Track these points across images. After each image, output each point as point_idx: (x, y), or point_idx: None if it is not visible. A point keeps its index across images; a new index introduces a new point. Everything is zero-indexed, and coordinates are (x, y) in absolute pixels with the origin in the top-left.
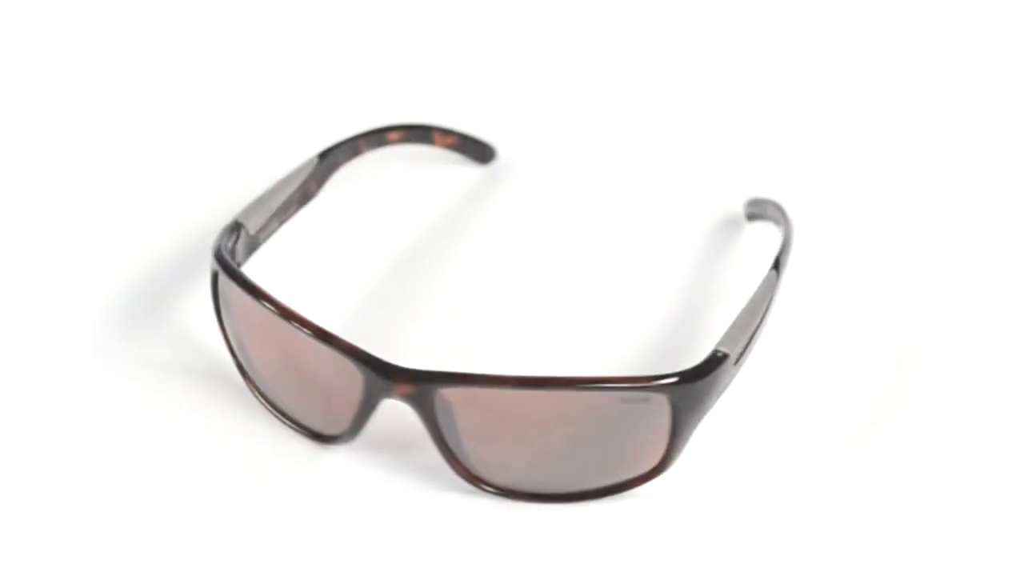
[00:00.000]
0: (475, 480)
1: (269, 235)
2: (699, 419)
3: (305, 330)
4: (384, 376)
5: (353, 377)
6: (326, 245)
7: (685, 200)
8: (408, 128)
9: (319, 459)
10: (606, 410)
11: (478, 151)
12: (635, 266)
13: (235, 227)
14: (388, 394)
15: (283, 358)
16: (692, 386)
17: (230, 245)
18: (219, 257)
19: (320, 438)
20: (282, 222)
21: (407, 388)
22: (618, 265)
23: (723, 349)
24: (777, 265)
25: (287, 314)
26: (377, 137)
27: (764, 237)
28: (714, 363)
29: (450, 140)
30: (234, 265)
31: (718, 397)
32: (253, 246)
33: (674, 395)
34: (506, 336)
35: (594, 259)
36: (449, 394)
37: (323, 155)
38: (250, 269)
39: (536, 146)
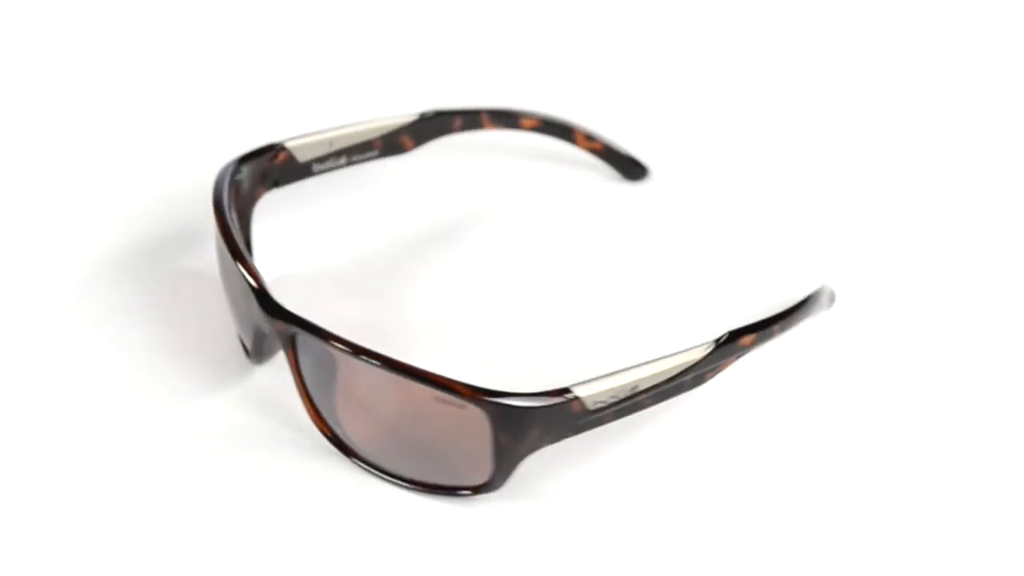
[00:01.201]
0: (320, 423)
1: (328, 169)
2: (530, 449)
3: None
4: (266, 310)
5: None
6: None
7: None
8: (548, 121)
9: None
10: (430, 406)
11: (625, 165)
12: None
13: (269, 149)
14: (268, 328)
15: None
16: (512, 410)
17: (252, 169)
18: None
19: None
20: (351, 162)
21: (280, 326)
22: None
23: (579, 392)
24: (731, 339)
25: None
26: (507, 118)
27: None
28: (548, 397)
29: (595, 145)
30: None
31: (569, 435)
32: (298, 174)
33: (492, 414)
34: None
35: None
36: (307, 341)
37: (427, 115)
38: (292, 195)
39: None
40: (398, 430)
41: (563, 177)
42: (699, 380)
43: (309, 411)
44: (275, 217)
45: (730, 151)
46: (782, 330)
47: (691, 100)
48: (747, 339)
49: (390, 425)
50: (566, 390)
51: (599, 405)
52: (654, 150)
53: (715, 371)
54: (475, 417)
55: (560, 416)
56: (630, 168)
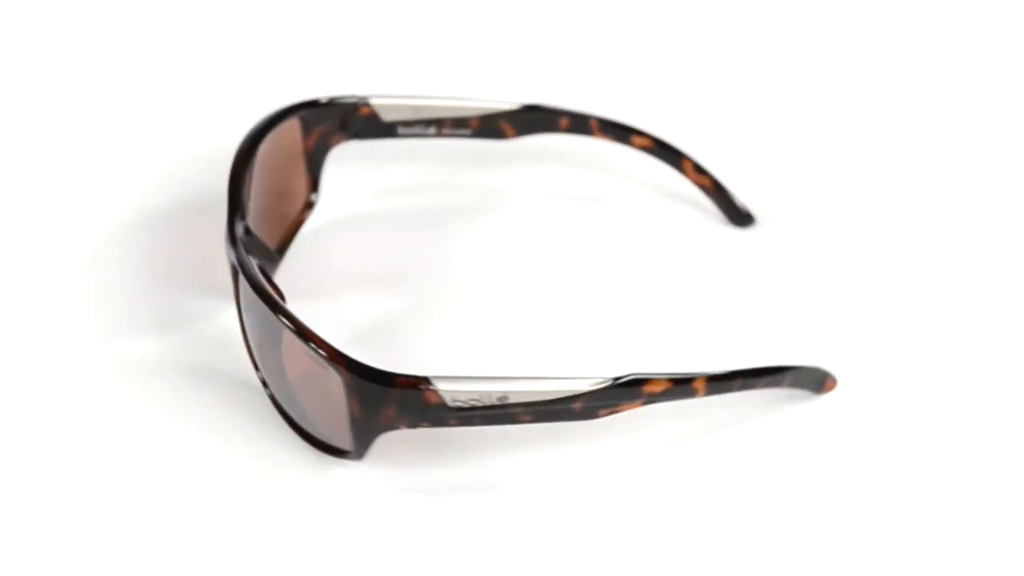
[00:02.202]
0: (251, 358)
1: (414, 135)
2: (386, 427)
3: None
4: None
5: None
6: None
7: None
8: (661, 144)
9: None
10: (308, 363)
11: (731, 209)
12: None
13: (352, 100)
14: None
15: None
16: (365, 384)
17: (330, 116)
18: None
19: None
20: (441, 134)
21: (230, 255)
22: None
23: (438, 385)
24: (633, 383)
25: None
26: (618, 130)
27: None
28: (403, 380)
29: (703, 180)
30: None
31: (429, 424)
32: (381, 132)
33: (348, 382)
34: None
35: None
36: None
37: (533, 107)
38: (367, 151)
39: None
40: (288, 379)
41: (661, 208)
42: (590, 413)
43: (245, 345)
44: (346, 168)
45: (843, 207)
46: (714, 391)
47: (810, 152)
48: (654, 387)
49: (283, 372)
50: (425, 380)
51: (460, 404)
52: (764, 196)
53: (613, 410)
54: (336, 382)
55: (414, 403)
56: (735, 213)
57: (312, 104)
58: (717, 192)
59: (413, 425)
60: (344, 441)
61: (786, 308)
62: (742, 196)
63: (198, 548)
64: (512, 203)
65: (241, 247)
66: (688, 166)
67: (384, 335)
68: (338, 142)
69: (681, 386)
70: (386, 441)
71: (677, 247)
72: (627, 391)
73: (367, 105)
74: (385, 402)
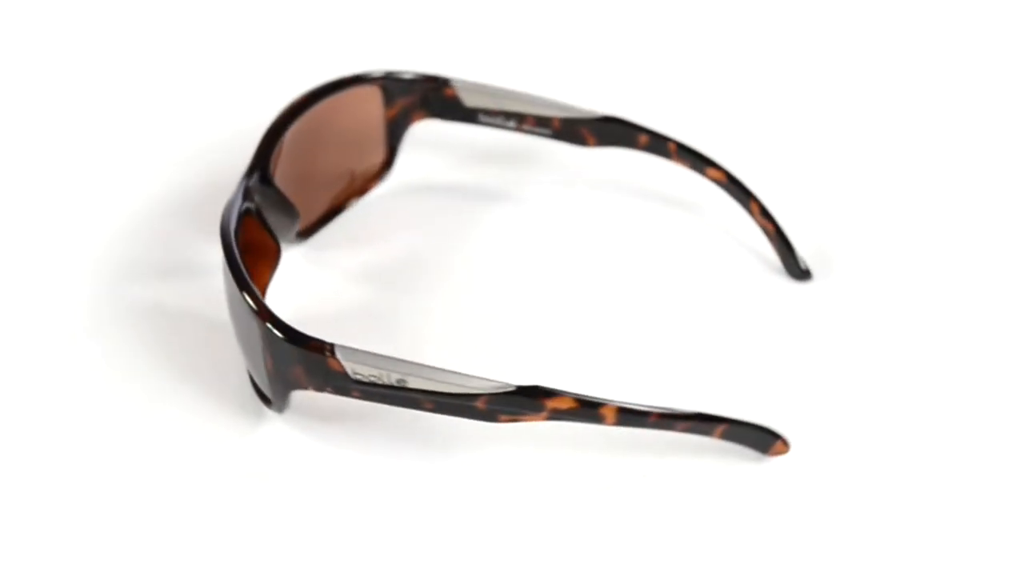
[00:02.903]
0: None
1: (495, 125)
2: (297, 384)
3: None
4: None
5: None
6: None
7: None
8: (733, 180)
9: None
10: (244, 309)
11: (790, 260)
12: None
13: (435, 79)
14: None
15: None
16: (275, 339)
17: (410, 90)
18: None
19: None
20: (520, 129)
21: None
22: None
23: (339, 354)
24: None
25: None
26: (695, 158)
27: None
28: (307, 342)
29: (767, 224)
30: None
31: (334, 391)
32: (462, 116)
33: (263, 335)
34: None
35: None
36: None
37: (613, 119)
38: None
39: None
40: (237, 326)
41: (713, 243)
42: (491, 416)
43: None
44: (419, 150)
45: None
46: (625, 422)
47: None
48: (559, 403)
49: (234, 316)
50: (330, 347)
51: (360, 378)
52: (828, 250)
53: (514, 417)
54: (257, 334)
55: (319, 367)
56: (792, 265)
57: (394, 76)
58: (779, 240)
59: (319, 388)
60: (267, 392)
61: (808, 373)
62: (805, 246)
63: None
64: (557, 215)
65: (240, 195)
66: (756, 208)
67: (380, 317)
68: (419, 119)
69: (587, 409)
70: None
71: (716, 288)
72: (528, 401)
73: (450, 86)
74: (293, 361)
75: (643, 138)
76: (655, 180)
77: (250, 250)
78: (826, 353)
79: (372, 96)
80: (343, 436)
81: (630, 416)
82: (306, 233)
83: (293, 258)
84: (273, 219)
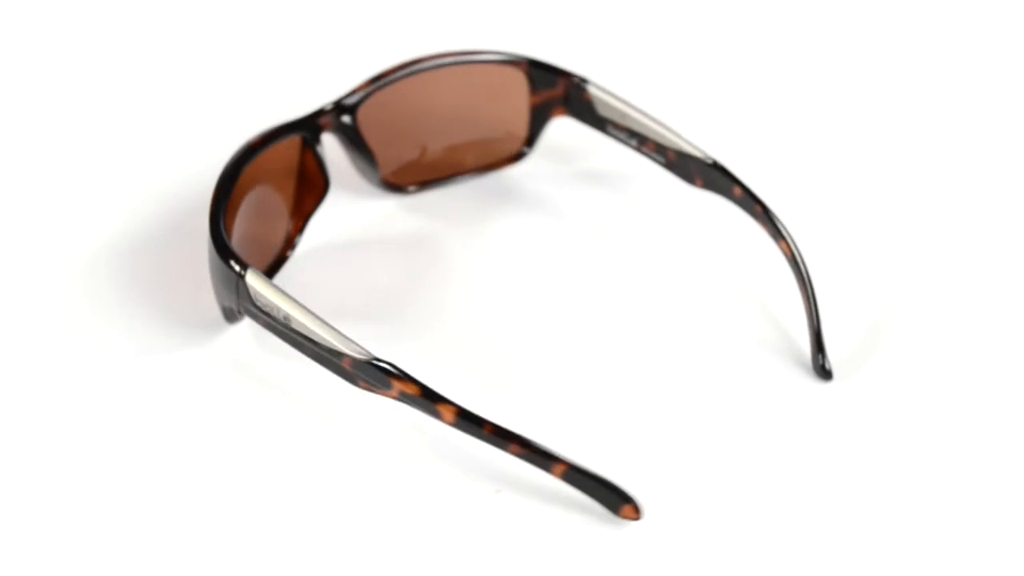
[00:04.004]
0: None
1: (618, 140)
2: (228, 298)
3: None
4: (311, 125)
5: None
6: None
7: None
8: (795, 259)
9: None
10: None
11: (815, 355)
12: None
13: (577, 78)
14: (320, 134)
15: None
16: (214, 257)
17: (554, 83)
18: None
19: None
20: (639, 151)
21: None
22: None
23: (248, 278)
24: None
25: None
26: (771, 226)
27: None
28: (230, 263)
29: (810, 314)
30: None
31: (246, 314)
32: (593, 121)
33: (210, 251)
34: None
35: None
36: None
37: (721, 167)
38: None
39: None
40: None
41: (741, 317)
42: (353, 379)
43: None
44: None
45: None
46: (461, 427)
47: None
48: (405, 387)
49: None
50: (244, 267)
51: (263, 307)
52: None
53: (372, 388)
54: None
55: (233, 287)
56: (816, 361)
57: (539, 64)
58: (814, 334)
59: (238, 307)
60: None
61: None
62: (839, 348)
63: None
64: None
65: (305, 122)
66: (806, 295)
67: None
68: (559, 114)
69: (428, 401)
70: None
71: (725, 369)
72: (380, 376)
73: (587, 90)
74: (223, 278)
75: (737, 190)
76: (724, 234)
77: (290, 175)
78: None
79: (517, 78)
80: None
81: (467, 422)
82: (399, 186)
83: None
84: (353, 155)
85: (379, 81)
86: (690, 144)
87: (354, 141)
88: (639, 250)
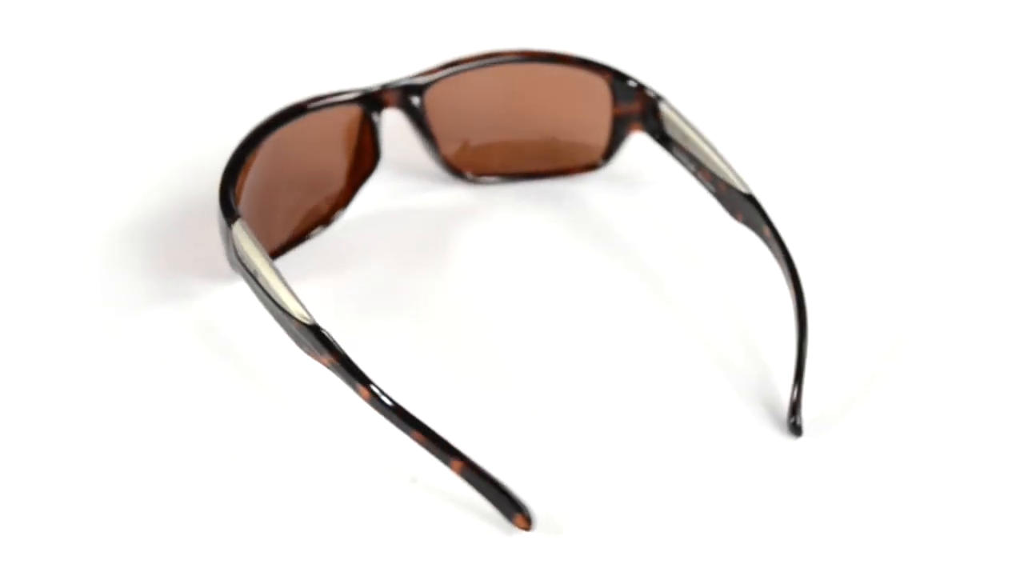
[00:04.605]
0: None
1: (678, 161)
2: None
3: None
4: (374, 98)
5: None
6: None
7: None
8: (801, 306)
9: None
10: None
11: (791, 411)
12: None
13: (653, 94)
14: (383, 108)
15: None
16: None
17: (639, 99)
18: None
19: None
20: (695, 175)
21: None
22: None
23: (235, 227)
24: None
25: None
26: (789, 269)
27: None
28: (226, 214)
29: (797, 368)
30: None
31: (236, 257)
32: (662, 140)
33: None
34: None
35: None
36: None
37: (752, 198)
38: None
39: None
40: None
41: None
42: (299, 342)
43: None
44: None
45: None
46: (375, 406)
47: None
48: (332, 357)
49: None
50: (235, 216)
51: (241, 258)
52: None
53: (312, 354)
54: None
55: (225, 233)
56: (791, 414)
57: (623, 75)
58: (796, 387)
59: (229, 257)
60: None
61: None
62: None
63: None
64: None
65: (365, 95)
66: (799, 344)
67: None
68: (636, 130)
69: (349, 375)
70: None
71: (693, 404)
72: (316, 342)
73: (660, 107)
74: (220, 225)
75: (767, 230)
76: (745, 269)
77: (338, 145)
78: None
79: (599, 87)
80: None
81: (378, 402)
82: (459, 171)
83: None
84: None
85: (454, 67)
86: (738, 178)
87: (418, 121)
88: (649, 269)
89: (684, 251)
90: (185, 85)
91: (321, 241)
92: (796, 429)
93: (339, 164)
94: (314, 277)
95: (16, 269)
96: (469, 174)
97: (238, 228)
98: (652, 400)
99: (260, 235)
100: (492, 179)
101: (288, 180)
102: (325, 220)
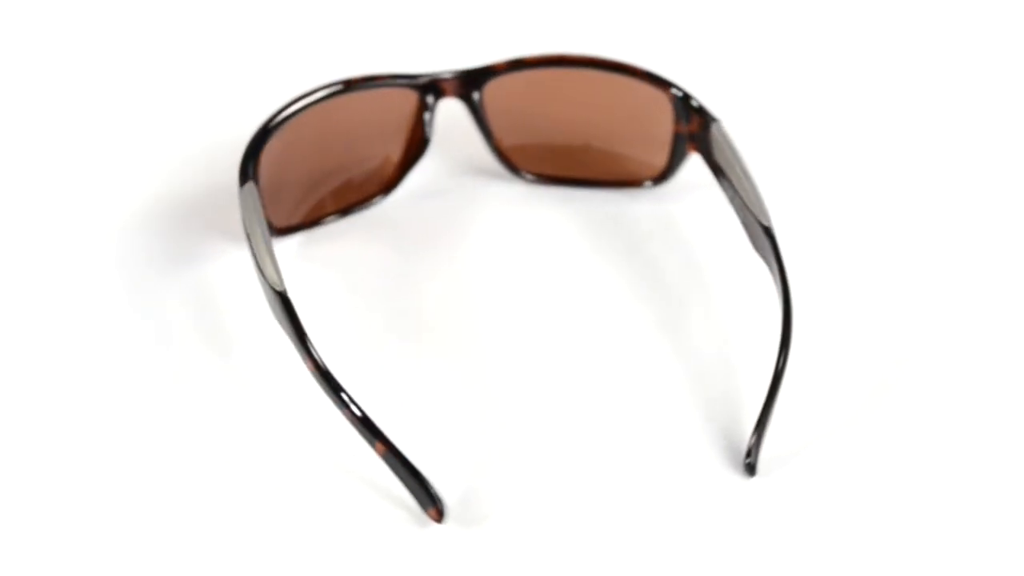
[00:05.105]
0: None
1: (720, 184)
2: None
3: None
4: (434, 86)
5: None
6: None
7: None
8: (785, 342)
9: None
10: None
11: (752, 450)
12: None
13: (701, 109)
14: (440, 97)
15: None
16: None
17: (697, 120)
18: None
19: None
20: (730, 202)
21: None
22: None
23: (246, 189)
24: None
25: None
26: (784, 295)
27: None
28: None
29: (765, 409)
30: None
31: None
32: (708, 158)
33: None
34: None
35: None
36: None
37: (771, 233)
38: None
39: None
40: None
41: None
42: (271, 307)
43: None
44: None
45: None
46: (319, 382)
47: None
48: (291, 325)
49: None
50: (247, 179)
51: (244, 220)
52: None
53: (280, 321)
54: None
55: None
56: (749, 455)
57: (686, 92)
58: (758, 428)
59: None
60: None
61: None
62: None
63: None
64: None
65: (421, 81)
66: (772, 386)
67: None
68: (692, 150)
69: (300, 345)
70: None
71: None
72: (280, 308)
73: (712, 129)
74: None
75: (775, 265)
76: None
77: (384, 127)
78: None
79: (662, 102)
80: None
81: (320, 375)
82: (515, 168)
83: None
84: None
85: (518, 64)
86: (761, 208)
87: (476, 113)
88: (657, 288)
89: (702, 275)
90: (214, 70)
91: (361, 218)
92: (750, 468)
93: (385, 146)
94: (332, 253)
95: (39, 256)
96: (522, 171)
97: (245, 191)
98: (613, 416)
99: (284, 204)
100: (542, 179)
101: (327, 155)
102: (365, 200)
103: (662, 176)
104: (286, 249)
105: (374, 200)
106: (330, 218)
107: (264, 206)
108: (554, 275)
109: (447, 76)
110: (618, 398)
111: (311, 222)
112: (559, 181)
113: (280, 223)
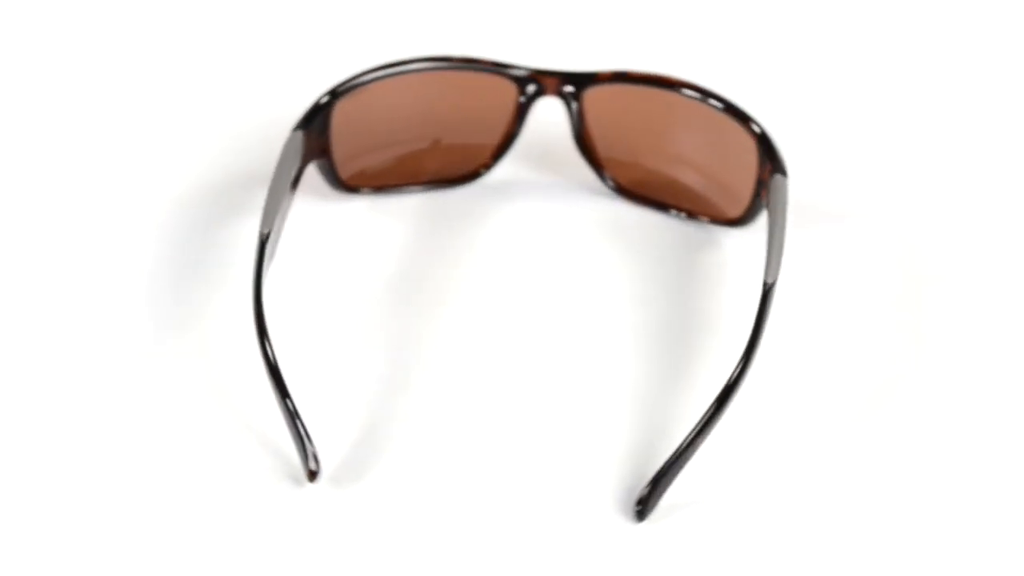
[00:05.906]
0: (600, 171)
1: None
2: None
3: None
4: (536, 79)
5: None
6: None
7: None
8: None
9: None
10: None
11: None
12: None
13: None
14: (541, 93)
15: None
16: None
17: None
18: None
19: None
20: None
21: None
22: None
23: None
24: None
25: None
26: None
27: None
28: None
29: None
30: None
31: None
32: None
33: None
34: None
35: None
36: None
37: (767, 291)
38: None
39: None
40: None
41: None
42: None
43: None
44: None
45: None
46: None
47: None
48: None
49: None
50: (299, 126)
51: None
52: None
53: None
54: None
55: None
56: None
57: (768, 137)
58: (651, 483)
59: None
60: None
61: None
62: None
63: None
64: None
65: (529, 79)
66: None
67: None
68: (767, 175)
69: (255, 287)
70: None
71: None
72: (256, 250)
73: (773, 178)
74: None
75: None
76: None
77: (473, 112)
78: None
79: (748, 144)
80: None
81: (256, 318)
82: (600, 172)
83: None
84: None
85: (623, 76)
86: (773, 272)
87: (573, 115)
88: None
89: (710, 318)
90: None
91: (433, 198)
92: (640, 514)
93: (472, 132)
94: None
95: (83, 237)
96: (610, 180)
97: (291, 137)
98: (531, 420)
99: (356, 161)
100: (622, 190)
101: (413, 125)
102: (443, 181)
103: (742, 221)
104: (353, 208)
105: (454, 184)
106: (406, 188)
107: (331, 156)
108: (560, 282)
109: (551, 73)
110: (545, 405)
111: (380, 187)
112: (640, 198)
113: (349, 179)
